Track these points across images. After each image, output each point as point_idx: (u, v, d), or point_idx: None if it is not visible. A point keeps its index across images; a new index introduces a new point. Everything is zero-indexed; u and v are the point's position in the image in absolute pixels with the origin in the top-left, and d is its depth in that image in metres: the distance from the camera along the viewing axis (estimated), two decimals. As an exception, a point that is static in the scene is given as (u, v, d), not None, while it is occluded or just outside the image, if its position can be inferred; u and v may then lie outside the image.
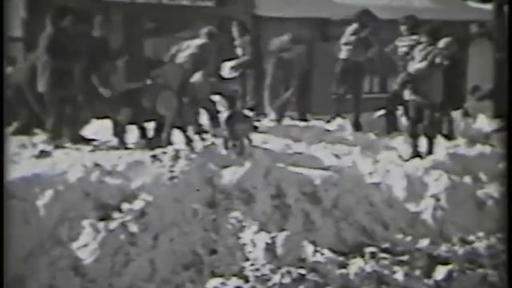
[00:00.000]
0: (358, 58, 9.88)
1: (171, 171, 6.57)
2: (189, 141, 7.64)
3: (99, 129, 8.31)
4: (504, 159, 6.21)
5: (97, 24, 8.04)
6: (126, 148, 7.45)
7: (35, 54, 7.73)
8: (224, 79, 9.10)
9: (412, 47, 8.64)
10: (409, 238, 6.86)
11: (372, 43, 9.94)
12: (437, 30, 8.43)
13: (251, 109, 9.01)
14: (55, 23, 7.35)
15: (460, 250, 6.86)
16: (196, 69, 8.13)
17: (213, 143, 7.69)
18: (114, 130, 7.70)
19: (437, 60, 8.07)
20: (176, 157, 6.79)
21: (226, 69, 8.85)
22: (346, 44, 9.91)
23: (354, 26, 9.94)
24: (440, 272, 6.37)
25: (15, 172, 6.23)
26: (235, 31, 9.42)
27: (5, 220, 5.26)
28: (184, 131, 7.74)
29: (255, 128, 8.09)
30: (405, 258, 6.54)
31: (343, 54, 9.94)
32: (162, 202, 6.26)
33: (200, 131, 8.25)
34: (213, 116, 8.54)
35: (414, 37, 8.95)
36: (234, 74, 9.18)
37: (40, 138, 7.63)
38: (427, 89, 8.16)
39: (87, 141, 7.77)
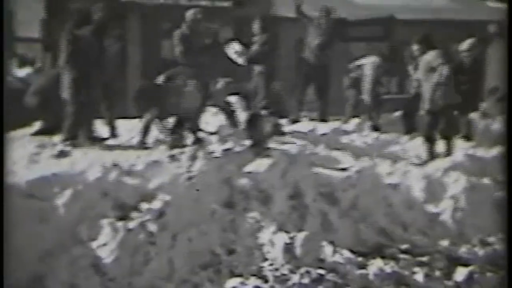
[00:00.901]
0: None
1: (189, 171, 6.57)
2: (197, 141, 7.64)
3: (118, 129, 8.33)
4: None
5: (116, 35, 8.06)
6: (145, 148, 7.46)
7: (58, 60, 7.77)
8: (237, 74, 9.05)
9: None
10: (428, 239, 6.81)
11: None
12: (429, 39, 8.36)
13: (265, 108, 9.01)
14: (73, 32, 7.39)
15: (480, 251, 6.81)
16: None
17: (231, 144, 7.69)
18: (141, 129, 7.71)
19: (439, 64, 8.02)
20: (194, 157, 6.80)
21: (232, 50, 8.79)
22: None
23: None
24: (461, 274, 6.31)
25: (34, 171, 6.27)
26: (256, 27, 9.39)
27: (8, 219, 5.29)
28: (193, 131, 7.75)
29: (278, 130, 8.07)
30: (425, 259, 6.49)
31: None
32: (180, 202, 6.27)
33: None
34: (230, 117, 8.54)
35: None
36: (241, 60, 9.10)
37: (59, 138, 7.65)
38: (443, 92, 8.11)
39: (103, 140, 7.81)
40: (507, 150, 6.10)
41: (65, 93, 7.45)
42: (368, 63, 9.79)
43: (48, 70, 8.54)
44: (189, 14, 8.37)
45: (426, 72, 8.13)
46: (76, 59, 7.31)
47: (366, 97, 9.72)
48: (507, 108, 6.82)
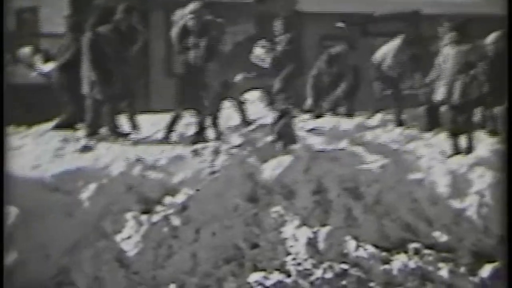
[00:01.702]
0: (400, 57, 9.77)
1: (212, 166, 6.58)
2: (220, 136, 7.65)
3: (142, 123, 8.36)
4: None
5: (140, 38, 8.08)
6: (169, 143, 7.48)
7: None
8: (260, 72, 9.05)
9: (447, 45, 8.50)
10: (453, 235, 6.75)
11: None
12: (466, 27, 8.26)
13: (291, 105, 8.97)
14: (94, 30, 7.43)
15: (506, 247, 6.72)
16: None
17: (252, 139, 7.69)
18: (168, 123, 7.73)
19: (471, 58, 7.93)
20: (216, 152, 6.81)
21: (257, 54, 8.76)
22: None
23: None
24: (486, 270, 6.24)
25: (58, 166, 6.33)
26: (279, 26, 9.34)
27: (33, 213, 5.34)
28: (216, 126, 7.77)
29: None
30: (449, 255, 6.44)
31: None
32: (203, 196, 6.28)
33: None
34: (242, 113, 8.50)
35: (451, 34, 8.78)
36: (266, 63, 9.08)
37: (83, 132, 7.70)
38: (465, 87, 8.02)
39: (127, 135, 7.84)
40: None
41: (86, 88, 7.48)
42: (391, 44, 9.71)
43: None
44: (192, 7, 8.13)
45: (457, 66, 8.03)
46: (98, 55, 7.34)
47: (389, 71, 9.59)
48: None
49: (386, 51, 9.79)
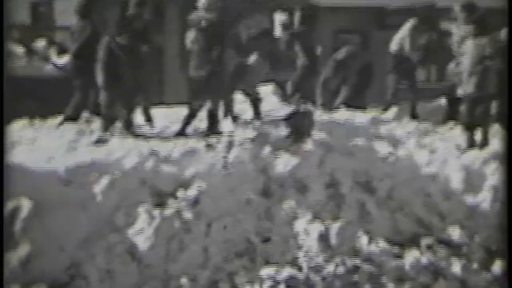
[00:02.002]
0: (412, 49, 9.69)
1: (225, 160, 6.58)
2: (232, 130, 7.65)
3: (155, 117, 8.38)
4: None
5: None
6: (181, 136, 7.49)
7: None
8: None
9: (464, 38, 8.42)
10: (466, 230, 6.70)
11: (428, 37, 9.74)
12: (484, 20, 8.18)
13: (305, 98, 8.96)
14: (113, 38, 7.46)
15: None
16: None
17: (265, 133, 7.67)
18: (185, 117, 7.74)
19: (488, 51, 7.85)
20: (229, 145, 6.81)
21: (278, 20, 8.70)
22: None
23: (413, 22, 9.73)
24: (499, 266, 6.20)
25: (72, 159, 6.36)
26: (297, 18, 9.32)
27: (46, 206, 5.37)
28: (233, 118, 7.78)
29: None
30: (462, 250, 6.40)
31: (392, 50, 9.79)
32: (215, 190, 6.29)
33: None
34: (255, 106, 8.48)
35: (468, 27, 8.70)
36: (284, 34, 9.00)
37: (97, 125, 7.74)
38: (481, 80, 7.96)
39: (140, 129, 7.87)
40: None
41: (100, 81, 7.51)
42: (404, 28, 9.64)
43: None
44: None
45: (475, 58, 7.96)
46: (112, 59, 7.37)
47: (409, 58, 9.52)
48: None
49: (402, 36, 9.70)
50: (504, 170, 5.90)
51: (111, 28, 7.60)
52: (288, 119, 7.54)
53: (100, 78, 7.43)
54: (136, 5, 7.79)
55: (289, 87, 9.28)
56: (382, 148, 7.71)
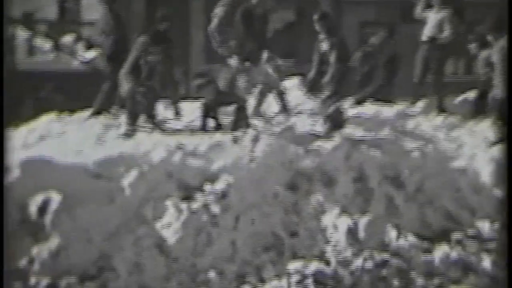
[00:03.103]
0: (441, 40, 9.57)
1: (252, 153, 6.57)
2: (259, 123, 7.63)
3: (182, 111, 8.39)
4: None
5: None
6: (208, 130, 7.49)
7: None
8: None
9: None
10: (497, 225, 6.62)
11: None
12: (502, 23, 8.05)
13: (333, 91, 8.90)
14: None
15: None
16: None
17: (292, 126, 7.64)
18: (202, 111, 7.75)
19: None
20: (256, 139, 6.79)
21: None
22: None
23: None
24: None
25: (101, 152, 6.40)
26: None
27: (75, 199, 5.38)
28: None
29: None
30: (493, 245, 6.31)
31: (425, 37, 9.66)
32: (243, 183, 6.28)
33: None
34: (282, 100, 8.44)
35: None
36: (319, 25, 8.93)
37: (124, 119, 7.75)
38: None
39: (167, 122, 7.89)
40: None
41: (126, 73, 7.54)
42: (440, 14, 9.53)
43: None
44: None
45: (502, 57, 7.86)
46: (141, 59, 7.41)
47: (447, 35, 9.42)
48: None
49: (438, 21, 9.57)
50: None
51: (138, 24, 7.63)
52: (329, 115, 7.51)
53: (126, 71, 7.47)
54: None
55: (316, 81, 9.22)
56: (410, 142, 7.66)
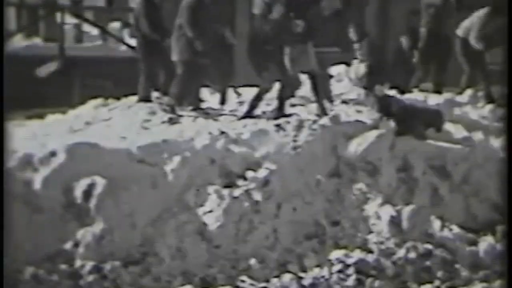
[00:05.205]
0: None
1: (295, 141, 6.54)
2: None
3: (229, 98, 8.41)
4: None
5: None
6: (251, 117, 7.47)
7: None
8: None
9: None
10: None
11: None
12: None
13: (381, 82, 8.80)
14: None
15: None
16: None
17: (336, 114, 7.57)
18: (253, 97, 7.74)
19: None
20: (299, 126, 6.75)
21: None
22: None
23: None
24: None
25: (145, 137, 6.46)
26: None
27: (119, 183, 5.41)
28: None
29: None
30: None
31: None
32: (285, 171, 6.27)
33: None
34: (315, 88, 8.34)
35: None
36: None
37: (169, 104, 7.80)
38: None
39: (211, 109, 7.91)
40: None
41: (176, 55, 7.58)
42: (475, 16, 9.32)
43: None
44: None
45: None
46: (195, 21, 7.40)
47: (474, 42, 9.23)
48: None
49: (470, 24, 9.39)
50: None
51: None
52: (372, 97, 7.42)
53: (175, 57, 7.52)
54: None
55: (362, 69, 9.13)
56: (457, 131, 7.51)
